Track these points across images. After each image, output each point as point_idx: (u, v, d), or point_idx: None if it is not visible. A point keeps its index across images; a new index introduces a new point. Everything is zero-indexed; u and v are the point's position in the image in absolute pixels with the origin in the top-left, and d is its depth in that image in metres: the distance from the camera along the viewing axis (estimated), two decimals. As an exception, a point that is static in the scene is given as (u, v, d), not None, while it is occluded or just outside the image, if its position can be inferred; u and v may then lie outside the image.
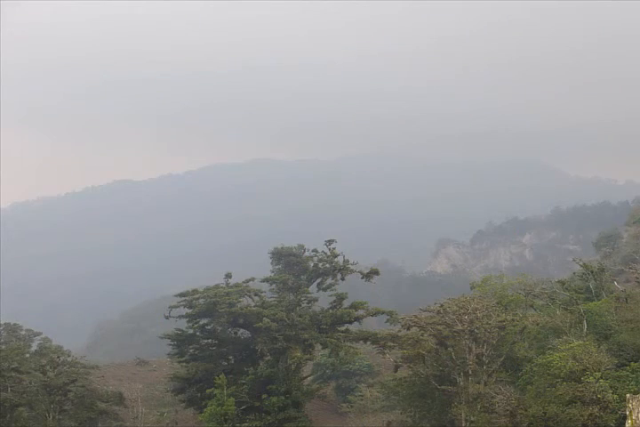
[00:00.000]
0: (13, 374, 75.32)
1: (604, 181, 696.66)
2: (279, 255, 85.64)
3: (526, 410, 53.44)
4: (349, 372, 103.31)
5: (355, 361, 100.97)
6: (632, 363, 56.84)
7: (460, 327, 61.09)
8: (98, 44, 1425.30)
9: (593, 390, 50.39)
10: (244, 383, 78.97)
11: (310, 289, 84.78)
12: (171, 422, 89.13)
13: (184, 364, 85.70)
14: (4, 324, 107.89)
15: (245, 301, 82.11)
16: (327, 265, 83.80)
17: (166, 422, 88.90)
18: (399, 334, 72.90)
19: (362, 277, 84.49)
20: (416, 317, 68.13)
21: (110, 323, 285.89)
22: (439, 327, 63.42)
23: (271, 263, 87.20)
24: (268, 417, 75.25)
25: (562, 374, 52.78)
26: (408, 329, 69.80)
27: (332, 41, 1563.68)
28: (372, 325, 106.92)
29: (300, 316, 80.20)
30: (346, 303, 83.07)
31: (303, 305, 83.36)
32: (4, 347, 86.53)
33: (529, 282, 79.98)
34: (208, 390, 73.17)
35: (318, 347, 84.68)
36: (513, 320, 63.75)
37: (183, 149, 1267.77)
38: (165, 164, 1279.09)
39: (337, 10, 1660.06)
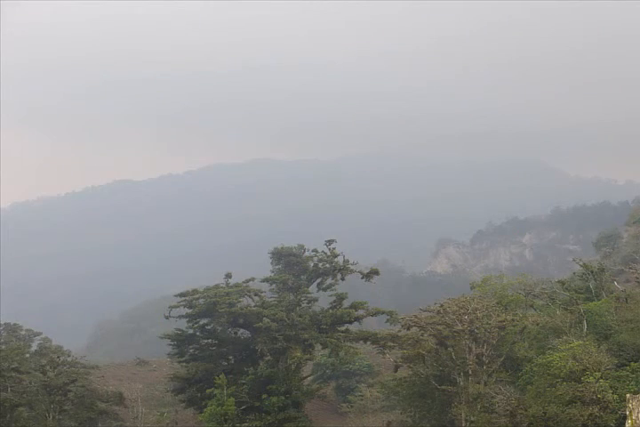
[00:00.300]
0: (13, 374, 75.30)
1: (604, 181, 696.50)
2: (279, 255, 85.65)
3: (526, 410, 53.46)
4: (349, 372, 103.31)
5: (355, 361, 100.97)
6: (632, 363, 56.85)
7: (460, 327, 61.10)
8: (98, 44, 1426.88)
9: (593, 390, 50.39)
10: (244, 383, 78.96)
11: (310, 289, 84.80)
12: (171, 422, 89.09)
13: (184, 364, 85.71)
14: (4, 324, 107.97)
15: (245, 301, 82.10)
16: (327, 265, 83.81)
17: (166, 422, 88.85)
18: (399, 334, 72.93)
19: (362, 277, 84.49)
20: (416, 317, 68.15)
21: (110, 323, 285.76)
22: (439, 327, 63.43)
23: (271, 263, 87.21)
24: (268, 417, 75.24)
25: (562, 374, 52.78)
26: (408, 329, 69.82)
27: (331, 41, 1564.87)
28: (372, 325, 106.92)
29: (300, 316, 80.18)
30: (346, 303, 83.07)
31: (303, 305, 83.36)
32: (3, 347, 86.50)
33: (529, 282, 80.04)
34: (208, 390, 73.20)
35: (318, 347, 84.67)
36: (513, 320, 63.75)
37: (183, 149, 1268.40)
38: (165, 164, 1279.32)
39: (337, 10, 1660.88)
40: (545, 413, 51.65)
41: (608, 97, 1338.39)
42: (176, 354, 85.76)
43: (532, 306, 76.81)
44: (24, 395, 75.31)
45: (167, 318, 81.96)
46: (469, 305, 62.40)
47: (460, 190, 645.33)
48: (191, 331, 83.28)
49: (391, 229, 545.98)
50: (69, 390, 77.03)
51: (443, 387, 62.58)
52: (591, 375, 51.22)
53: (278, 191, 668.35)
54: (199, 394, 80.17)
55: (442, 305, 65.12)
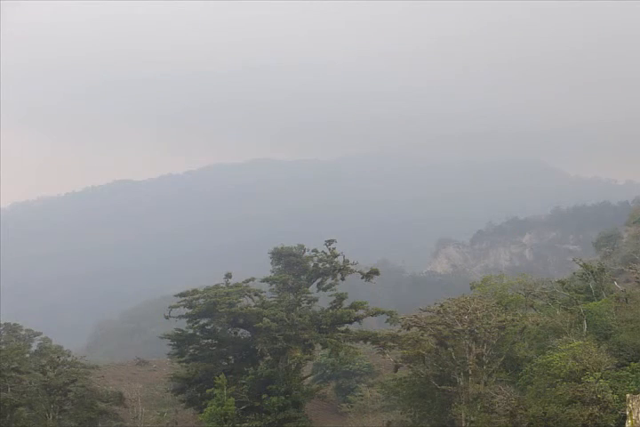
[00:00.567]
0: (13, 374, 75.28)
1: (604, 181, 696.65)
2: (279, 255, 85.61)
3: (526, 410, 53.45)
4: (349, 372, 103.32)
5: (355, 361, 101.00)
6: (632, 363, 56.86)
7: (460, 327, 61.11)
8: (98, 44, 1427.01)
9: (593, 390, 50.40)
10: (244, 383, 78.95)
11: (310, 289, 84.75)
12: (171, 422, 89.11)
13: (184, 364, 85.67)
14: (4, 324, 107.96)
15: (245, 301, 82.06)
16: (327, 265, 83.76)
17: (166, 422, 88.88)
18: (399, 334, 72.88)
19: (362, 277, 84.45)
20: (416, 317, 68.15)
21: (110, 323, 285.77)
22: (439, 327, 63.43)
23: (271, 263, 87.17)
24: (268, 417, 75.23)
25: (562, 374, 52.79)
26: (408, 329, 69.81)
27: (332, 41, 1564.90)
28: (372, 325, 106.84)
29: (300, 316, 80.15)
30: (346, 303, 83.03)
31: (303, 305, 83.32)
32: (3, 347, 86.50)
33: (529, 282, 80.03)
34: (208, 390, 73.14)
35: (318, 347, 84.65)
36: (513, 320, 63.75)
37: (183, 149, 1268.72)
38: (165, 164, 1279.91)
39: (337, 10, 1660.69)
40: (545, 413, 51.65)
41: (608, 97, 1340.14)
42: (176, 354, 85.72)
43: (532, 306, 76.79)
44: (24, 395, 75.30)
45: (167, 318, 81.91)
46: (469, 305, 62.39)
47: (459, 190, 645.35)
48: (191, 331, 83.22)
49: (391, 229, 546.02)
50: (69, 390, 77.02)
51: (443, 387, 62.58)
52: (591, 375, 51.23)
53: (278, 191, 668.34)
54: (199, 394, 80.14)
55: (442, 305, 65.12)
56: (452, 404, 61.43)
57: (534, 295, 78.11)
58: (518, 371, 62.67)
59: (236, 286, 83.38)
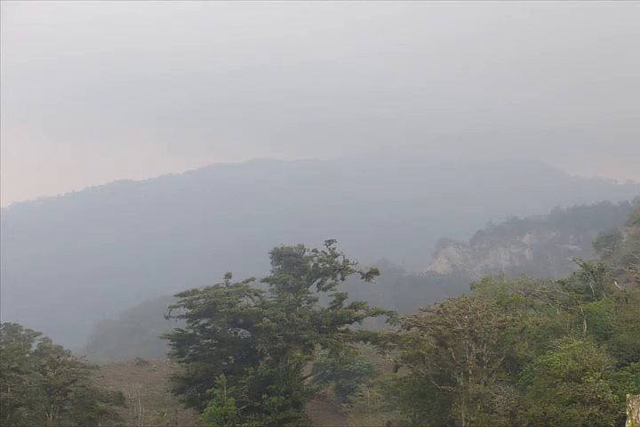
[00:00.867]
0: (13, 374, 75.27)
1: (604, 181, 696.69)
2: (279, 255, 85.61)
3: (526, 410, 53.45)
4: (349, 372, 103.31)
5: (355, 361, 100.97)
6: (632, 363, 56.86)
7: (460, 327, 61.09)
8: (98, 44, 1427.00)
9: (593, 390, 50.39)
10: (244, 383, 78.93)
11: (310, 289, 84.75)
12: (171, 422, 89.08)
13: (184, 364, 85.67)
14: (4, 324, 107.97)
15: (245, 301, 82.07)
16: (327, 265, 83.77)
17: (166, 422, 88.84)
18: (399, 334, 72.89)
19: (362, 278, 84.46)
20: (416, 317, 68.14)
21: (110, 323, 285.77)
22: (439, 327, 63.42)
23: (271, 263, 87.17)
24: (268, 417, 75.23)
25: (562, 374, 52.78)
26: (408, 329, 69.82)
27: (332, 41, 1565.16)
28: (372, 325, 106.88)
29: (300, 316, 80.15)
30: (346, 303, 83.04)
31: (303, 305, 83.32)
32: (3, 347, 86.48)
33: (529, 282, 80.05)
34: (208, 390, 73.17)
35: (318, 347, 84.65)
36: (513, 320, 63.75)
37: (183, 149, 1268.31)
38: (165, 164, 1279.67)
39: (337, 10, 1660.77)
40: (545, 413, 51.65)
41: (608, 97, 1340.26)
42: (176, 354, 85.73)
43: (532, 306, 76.81)
44: (24, 395, 75.28)
45: (167, 318, 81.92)
46: (469, 305, 62.39)
47: (460, 190, 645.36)
48: (191, 331, 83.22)
49: (391, 229, 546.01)
50: (69, 390, 77.01)
51: (443, 387, 62.56)
52: (591, 375, 51.21)
53: (278, 191, 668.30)
54: (199, 394, 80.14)
55: (442, 305, 65.10)
56: (452, 404, 61.42)
57: (534, 295, 78.11)
58: (518, 371, 62.66)
59: (236, 285, 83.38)
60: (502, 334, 62.76)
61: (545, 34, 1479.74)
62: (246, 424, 73.39)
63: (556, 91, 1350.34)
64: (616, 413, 49.25)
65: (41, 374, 76.80)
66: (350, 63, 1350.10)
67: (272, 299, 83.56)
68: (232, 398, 69.64)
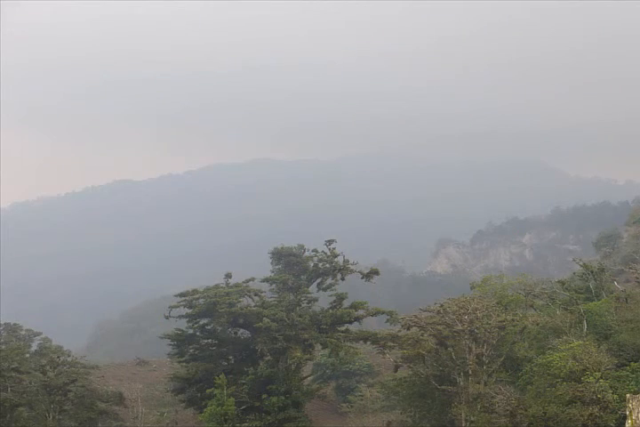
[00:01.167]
0: (13, 374, 75.26)
1: (604, 181, 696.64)
2: (279, 255, 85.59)
3: (526, 410, 53.45)
4: (349, 372, 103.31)
5: (355, 361, 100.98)
6: (632, 363, 56.86)
7: (460, 327, 61.09)
8: (98, 44, 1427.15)
9: (593, 390, 50.38)
10: (244, 383, 78.94)
11: (310, 289, 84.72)
12: (171, 422, 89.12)
13: (184, 364, 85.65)
14: (4, 324, 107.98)
15: (245, 301, 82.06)
16: (327, 265, 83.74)
17: (166, 422, 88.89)
18: (399, 334, 72.86)
19: (362, 278, 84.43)
20: (416, 317, 68.14)
21: (110, 323, 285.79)
22: (439, 327, 63.41)
23: (271, 263, 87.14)
24: (268, 417, 75.23)
25: (562, 374, 52.78)
26: (408, 329, 69.80)
27: (332, 41, 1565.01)
28: (372, 325, 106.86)
29: (300, 316, 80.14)
30: (346, 303, 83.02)
31: (303, 305, 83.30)
32: (3, 347, 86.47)
33: (529, 282, 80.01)
34: (208, 390, 73.12)
35: (318, 347, 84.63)
36: (513, 320, 63.74)
37: (183, 149, 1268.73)
38: (165, 164, 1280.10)
39: (337, 10, 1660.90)
40: (545, 413, 51.65)
41: (608, 97, 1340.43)
42: (176, 354, 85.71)
43: (532, 306, 76.77)
44: (24, 395, 75.27)
45: (167, 318, 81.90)
46: (469, 305, 62.38)
47: (460, 190, 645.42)
48: (191, 331, 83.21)
49: (391, 229, 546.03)
50: (69, 390, 76.99)
51: (443, 387, 62.57)
52: (591, 375, 51.21)
53: (278, 191, 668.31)
54: (199, 394, 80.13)
55: (442, 305, 65.10)
56: (452, 404, 61.40)
57: (534, 295, 78.08)
58: (518, 371, 62.66)
59: (236, 285, 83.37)
60: (502, 334, 62.74)
61: (545, 34, 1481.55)
62: (246, 424, 73.39)
63: (556, 91, 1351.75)
64: (616, 413, 49.25)
65: (41, 374, 76.78)
66: (350, 63, 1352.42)
67: (272, 299, 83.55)
68: (232, 398, 69.61)
